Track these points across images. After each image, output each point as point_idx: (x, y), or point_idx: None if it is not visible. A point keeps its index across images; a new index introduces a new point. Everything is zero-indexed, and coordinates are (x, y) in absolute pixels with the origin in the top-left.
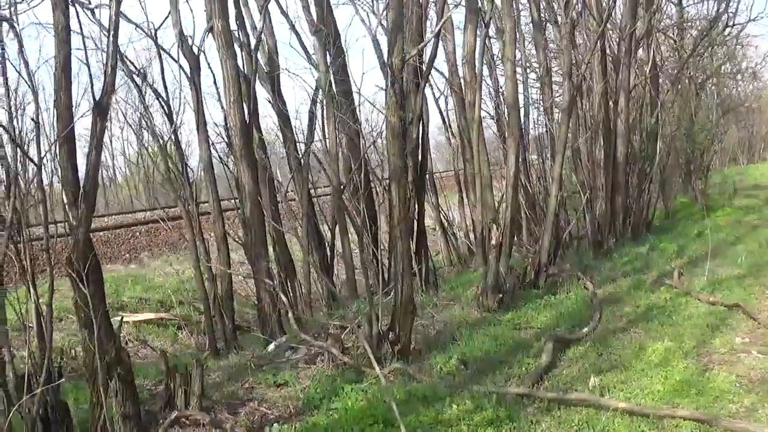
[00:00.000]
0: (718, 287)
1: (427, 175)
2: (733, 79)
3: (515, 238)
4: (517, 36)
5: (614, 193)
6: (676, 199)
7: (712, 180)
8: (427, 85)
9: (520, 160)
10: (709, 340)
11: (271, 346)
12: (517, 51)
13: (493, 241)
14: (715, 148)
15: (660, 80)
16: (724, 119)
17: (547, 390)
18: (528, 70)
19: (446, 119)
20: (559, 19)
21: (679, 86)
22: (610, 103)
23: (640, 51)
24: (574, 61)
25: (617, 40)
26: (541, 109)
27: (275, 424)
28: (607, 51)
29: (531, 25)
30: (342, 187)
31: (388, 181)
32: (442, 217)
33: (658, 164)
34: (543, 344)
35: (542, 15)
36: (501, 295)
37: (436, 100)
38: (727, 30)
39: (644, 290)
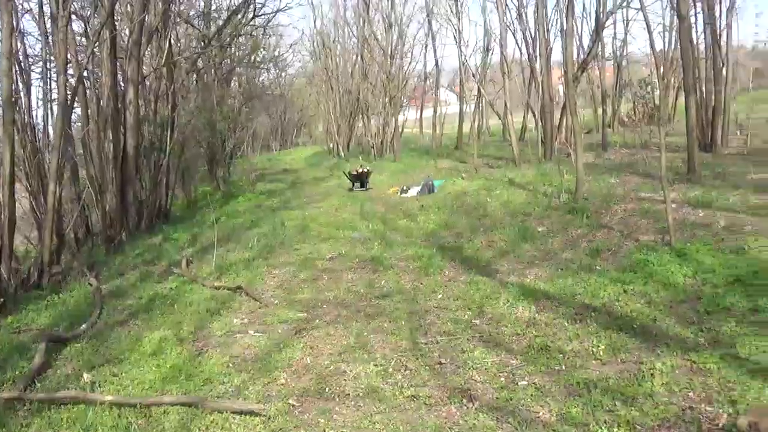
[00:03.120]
0: (226, 271)
1: None
2: (259, 68)
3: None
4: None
5: (125, 186)
6: (199, 189)
7: (239, 167)
8: None
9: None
10: (207, 324)
11: None
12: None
13: None
14: (243, 136)
15: (184, 70)
16: (249, 107)
17: (39, 391)
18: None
19: None
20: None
21: (203, 76)
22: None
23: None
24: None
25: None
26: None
27: None
28: (121, 43)
29: None
30: None
31: None
32: None
33: (176, 155)
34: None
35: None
36: (3, 300)
37: None
38: (256, 20)
39: (151, 281)
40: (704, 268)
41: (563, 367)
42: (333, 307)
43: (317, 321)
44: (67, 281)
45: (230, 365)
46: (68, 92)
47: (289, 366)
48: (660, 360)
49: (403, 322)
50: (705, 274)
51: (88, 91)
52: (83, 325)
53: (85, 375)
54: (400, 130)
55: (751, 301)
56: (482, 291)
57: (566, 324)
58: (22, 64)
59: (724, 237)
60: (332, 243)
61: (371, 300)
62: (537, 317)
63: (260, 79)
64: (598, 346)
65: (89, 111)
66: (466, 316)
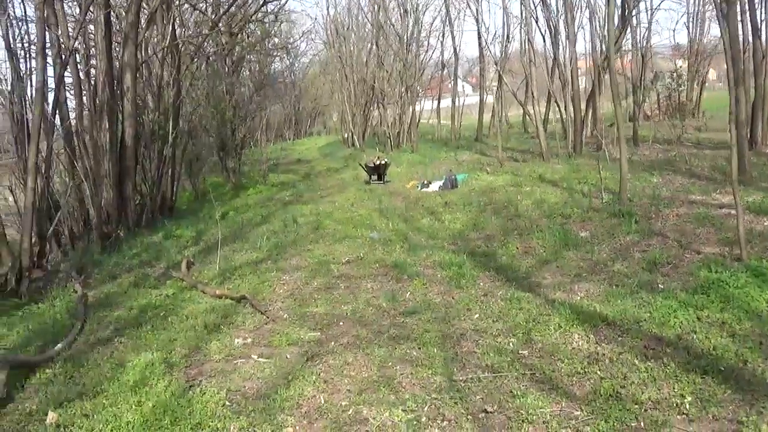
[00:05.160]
0: (230, 276)
1: None
2: (271, 56)
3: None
4: None
5: (123, 178)
6: (208, 180)
7: (251, 157)
8: None
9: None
10: (204, 345)
11: None
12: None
13: None
14: (255, 125)
15: (189, 56)
16: (261, 95)
17: None
18: None
19: None
20: None
21: (212, 63)
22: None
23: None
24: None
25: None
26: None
27: None
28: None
29: None
30: None
31: None
32: None
33: (180, 144)
34: None
35: None
36: None
37: None
38: (267, 6)
39: (147, 286)
40: None
41: (641, 423)
42: (351, 325)
43: (333, 344)
44: (51, 287)
45: (227, 404)
46: (46, 77)
47: (299, 407)
48: (764, 420)
49: (435, 350)
50: None
51: (82, 76)
52: (58, 345)
53: (50, 414)
54: (417, 120)
55: None
56: (526, 311)
57: (636, 362)
58: (13, 48)
59: None
60: (349, 244)
61: (395, 317)
62: (598, 350)
63: (273, 67)
64: (683, 396)
65: (84, 98)
66: (511, 345)
